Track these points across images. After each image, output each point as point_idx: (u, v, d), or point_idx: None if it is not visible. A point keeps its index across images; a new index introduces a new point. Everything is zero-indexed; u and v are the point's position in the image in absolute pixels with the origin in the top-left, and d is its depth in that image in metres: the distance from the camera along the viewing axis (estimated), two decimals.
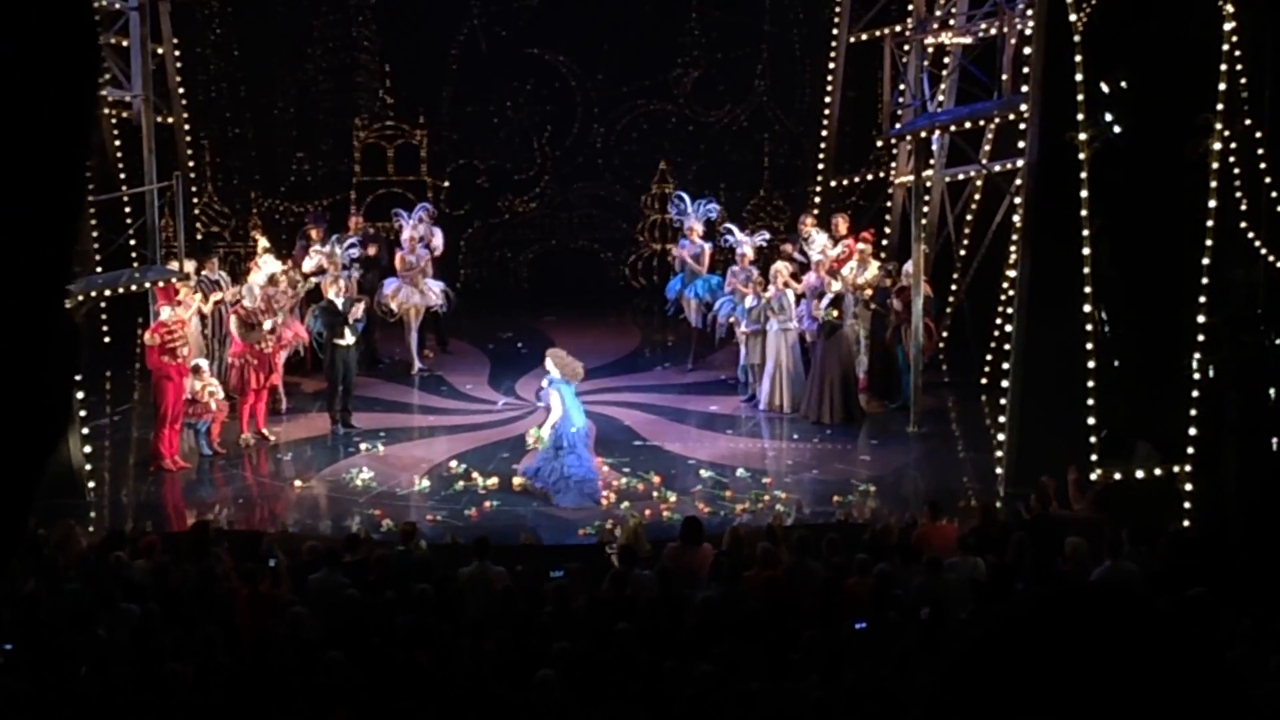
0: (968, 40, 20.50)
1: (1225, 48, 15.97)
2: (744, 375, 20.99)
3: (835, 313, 19.56)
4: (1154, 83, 16.98)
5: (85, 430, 17.41)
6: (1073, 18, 16.30)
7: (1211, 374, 16.02)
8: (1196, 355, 16.02)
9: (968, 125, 20.00)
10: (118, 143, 22.59)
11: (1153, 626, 2.05)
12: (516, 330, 24.39)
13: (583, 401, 20.50)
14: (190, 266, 19.60)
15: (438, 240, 22.39)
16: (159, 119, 21.62)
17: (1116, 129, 17.02)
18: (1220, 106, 15.93)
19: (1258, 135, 16.64)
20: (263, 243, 21.38)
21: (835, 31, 23.58)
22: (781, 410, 20.10)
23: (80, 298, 17.87)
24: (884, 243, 22.83)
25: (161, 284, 18.95)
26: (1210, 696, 2.01)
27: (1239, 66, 16.15)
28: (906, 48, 21.30)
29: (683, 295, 22.35)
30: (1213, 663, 2.06)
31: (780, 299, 20.10)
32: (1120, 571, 12.82)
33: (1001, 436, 17.46)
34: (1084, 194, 16.31)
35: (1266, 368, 16.09)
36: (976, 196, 21.74)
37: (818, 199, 24.09)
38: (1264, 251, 16.62)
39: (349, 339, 19.44)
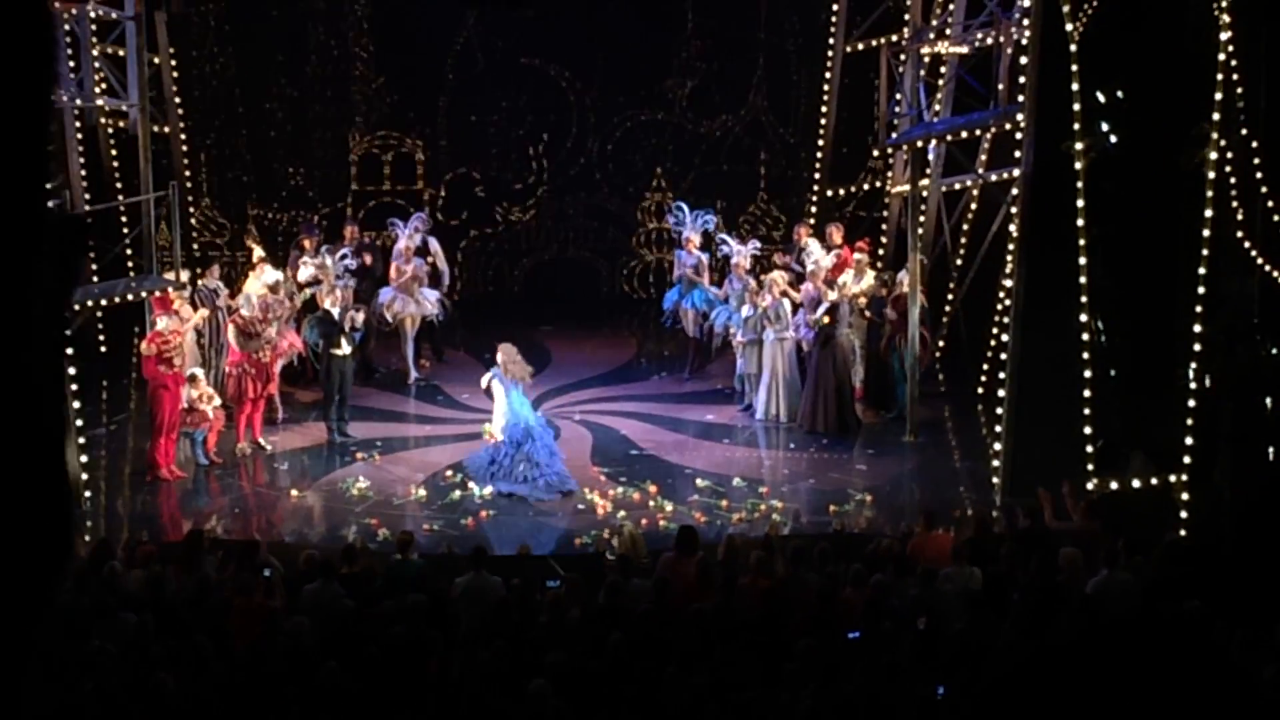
0: (964, 50, 20.53)
1: (1221, 58, 15.98)
2: (740, 385, 20.99)
3: (827, 319, 19.54)
4: (1150, 93, 16.98)
5: (82, 440, 17.41)
6: (1069, 28, 16.31)
7: (1207, 384, 16.01)
8: (1192, 365, 16.01)
9: (964, 135, 20.02)
10: (114, 152, 22.60)
11: (1189, 665, 2.04)
12: (513, 340, 24.32)
13: (580, 411, 20.59)
14: (184, 276, 19.60)
15: (435, 249, 22.41)
16: (155, 129, 21.65)
17: (1112, 139, 17.02)
18: (1216, 117, 15.93)
19: (1254, 145, 16.65)
20: (258, 252, 21.36)
21: (831, 41, 23.61)
22: (778, 420, 20.10)
23: (77, 307, 17.87)
24: (880, 252, 22.85)
25: (158, 294, 18.97)
26: None
27: (1235, 77, 16.16)
28: (903, 57, 21.32)
29: (680, 306, 22.36)
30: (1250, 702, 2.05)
31: (777, 308, 20.09)
32: (1116, 581, 12.81)
33: (997, 446, 17.46)
34: (1080, 204, 16.32)
35: (1262, 378, 16.09)
36: (973, 206, 21.74)
37: (814, 209, 24.10)
38: (1260, 262, 16.61)
39: (345, 349, 19.45)
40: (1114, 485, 16.23)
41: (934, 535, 14.63)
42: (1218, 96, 15.95)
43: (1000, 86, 19.57)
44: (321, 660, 11.11)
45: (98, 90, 21.28)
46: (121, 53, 21.11)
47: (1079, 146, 16.27)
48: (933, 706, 10.15)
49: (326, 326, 19.50)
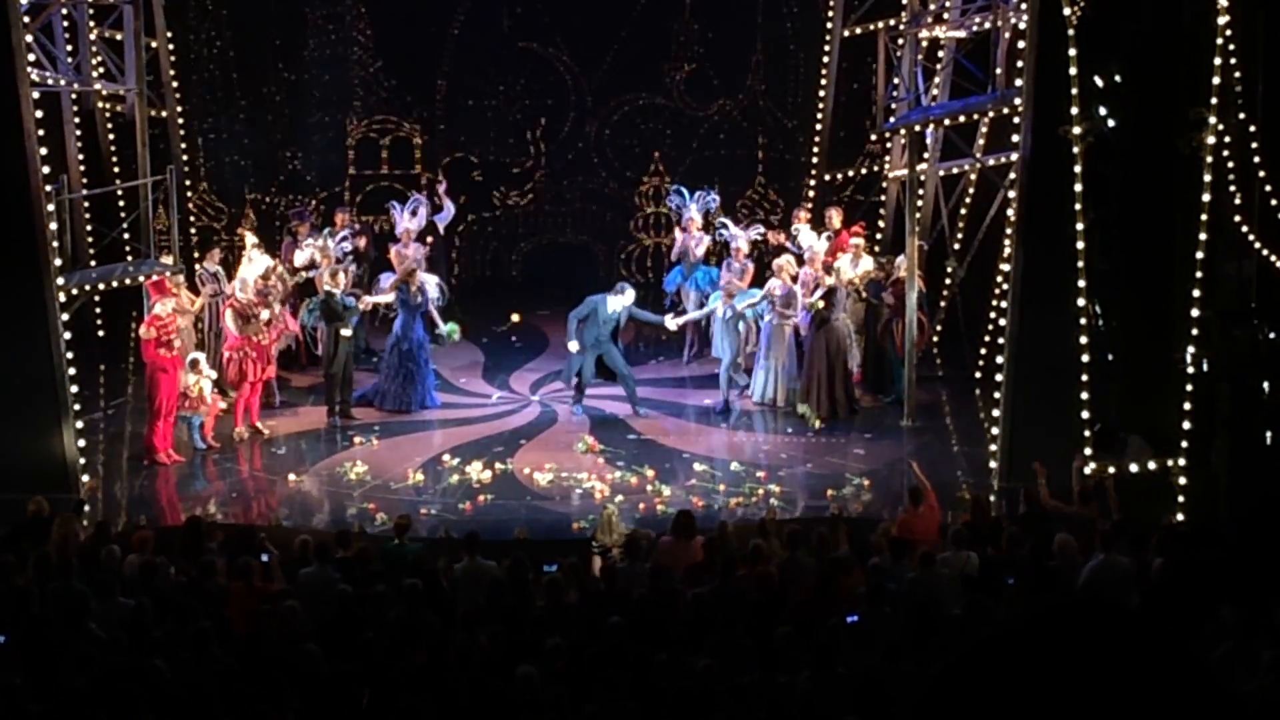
0: (962, 34, 20.51)
1: (1218, 41, 15.96)
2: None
3: (822, 303, 19.53)
4: (1147, 76, 16.98)
5: (79, 424, 17.39)
6: (1066, 11, 16.29)
7: (1204, 367, 16.03)
8: (1189, 349, 16.02)
9: (962, 119, 20.00)
10: (111, 136, 22.57)
11: (1141, 645, 2.04)
12: (510, 324, 24.34)
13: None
14: (172, 259, 19.58)
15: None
16: (152, 113, 21.62)
17: (1110, 123, 17.02)
18: (1213, 100, 15.92)
19: (1251, 129, 16.65)
20: (250, 238, 21.33)
21: (829, 25, 23.58)
22: (775, 404, 20.10)
23: (75, 291, 17.86)
24: (878, 237, 22.84)
25: (154, 278, 18.96)
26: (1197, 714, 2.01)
27: (1232, 60, 16.15)
28: (900, 41, 21.29)
29: (682, 287, 22.37)
30: (1203, 684, 2.05)
31: (786, 293, 20.05)
32: (1112, 565, 12.82)
33: (995, 430, 17.47)
34: (1077, 188, 16.32)
35: (1259, 361, 16.11)
36: (970, 190, 21.73)
37: (812, 193, 24.09)
38: (1257, 245, 16.63)
39: (350, 330, 19.53)
40: (1111, 469, 16.24)
41: (920, 513, 14.58)
42: (1215, 80, 15.94)
43: (998, 71, 19.55)
44: (316, 644, 11.12)
45: (95, 74, 21.25)
46: (119, 36, 21.07)
47: (1077, 130, 16.26)
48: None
49: (329, 309, 19.52)
